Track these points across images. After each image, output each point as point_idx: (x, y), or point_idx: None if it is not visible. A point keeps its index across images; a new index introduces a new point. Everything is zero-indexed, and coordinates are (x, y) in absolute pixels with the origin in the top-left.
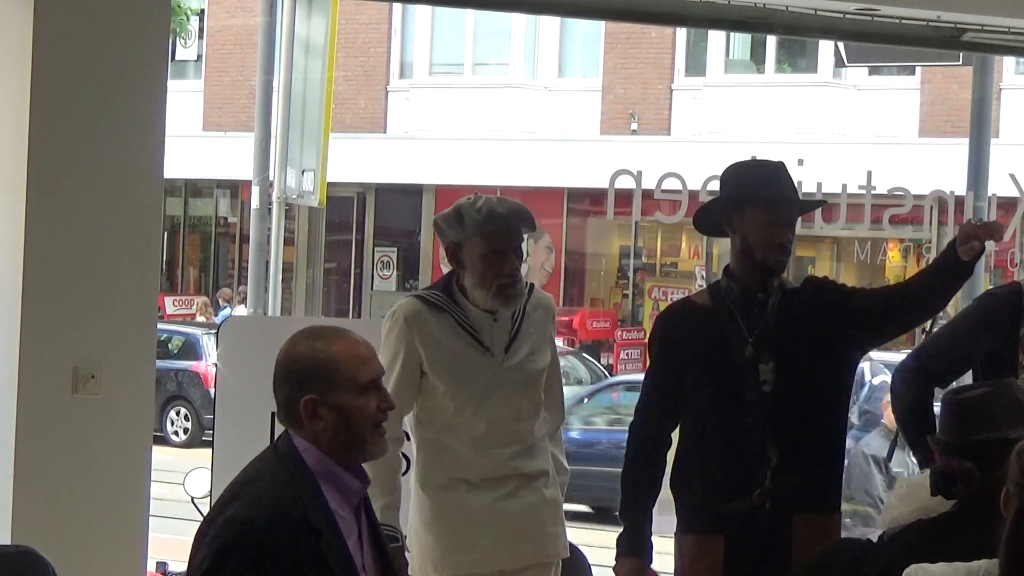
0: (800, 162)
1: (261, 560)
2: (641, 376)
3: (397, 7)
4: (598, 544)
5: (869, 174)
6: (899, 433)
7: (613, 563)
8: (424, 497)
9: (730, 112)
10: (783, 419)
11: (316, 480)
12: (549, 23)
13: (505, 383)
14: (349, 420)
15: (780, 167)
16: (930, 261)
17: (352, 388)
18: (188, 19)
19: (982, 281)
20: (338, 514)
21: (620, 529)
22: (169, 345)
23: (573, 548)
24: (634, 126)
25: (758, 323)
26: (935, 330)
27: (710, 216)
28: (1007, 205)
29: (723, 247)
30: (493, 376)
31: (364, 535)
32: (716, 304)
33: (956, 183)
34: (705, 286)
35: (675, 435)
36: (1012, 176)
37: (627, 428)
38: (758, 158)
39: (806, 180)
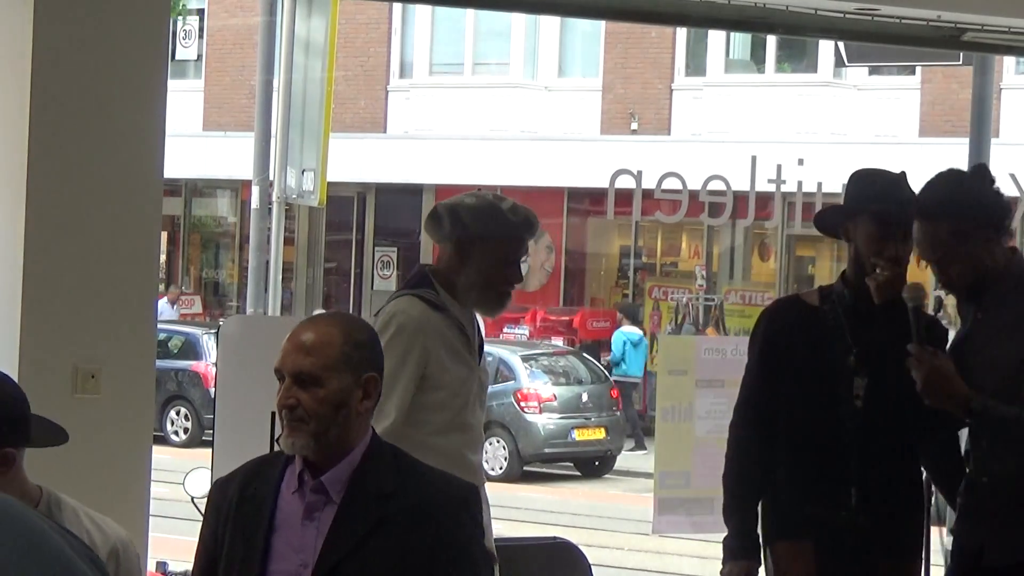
0: (800, 162)
1: (208, 512)
2: None
3: (397, 7)
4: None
5: None
6: None
7: (720, 567)
8: None
9: (730, 112)
10: (871, 436)
11: (287, 462)
12: (549, 23)
13: (480, 386)
14: None
15: (900, 178)
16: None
17: None
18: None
19: None
20: (283, 494)
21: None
22: (169, 345)
23: (573, 547)
24: (634, 126)
25: (863, 334)
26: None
27: (827, 220)
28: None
29: (723, 247)
30: (476, 379)
31: (325, 523)
32: (826, 306)
33: None
34: (706, 286)
35: None
36: (1012, 176)
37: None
38: (873, 168)
39: (806, 180)
